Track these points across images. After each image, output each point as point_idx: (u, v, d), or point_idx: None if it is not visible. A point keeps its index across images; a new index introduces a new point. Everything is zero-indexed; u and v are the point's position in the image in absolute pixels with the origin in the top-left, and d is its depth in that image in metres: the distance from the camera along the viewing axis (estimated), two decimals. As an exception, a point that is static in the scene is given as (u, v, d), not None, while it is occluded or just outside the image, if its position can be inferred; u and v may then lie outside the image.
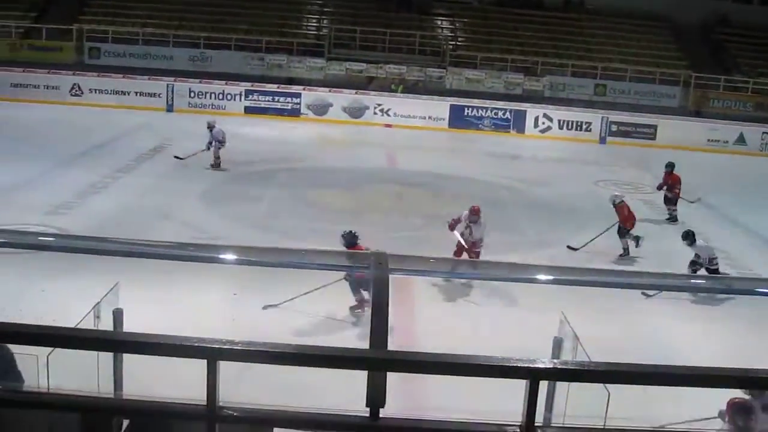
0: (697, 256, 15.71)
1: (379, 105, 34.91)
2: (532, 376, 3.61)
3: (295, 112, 34.61)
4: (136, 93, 35.03)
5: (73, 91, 35.30)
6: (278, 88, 35.30)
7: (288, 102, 34.86)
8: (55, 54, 37.83)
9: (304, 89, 35.41)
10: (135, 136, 28.41)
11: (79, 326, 6.62)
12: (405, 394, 4.39)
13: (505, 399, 4.07)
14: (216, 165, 23.69)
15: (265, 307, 13.05)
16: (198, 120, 30.61)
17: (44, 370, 5.90)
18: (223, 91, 35.07)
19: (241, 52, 37.43)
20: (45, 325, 4.32)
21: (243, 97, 34.99)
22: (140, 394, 4.81)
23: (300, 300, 12.80)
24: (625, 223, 17.81)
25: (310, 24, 41.55)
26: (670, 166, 21.66)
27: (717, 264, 15.70)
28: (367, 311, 14.27)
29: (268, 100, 34.82)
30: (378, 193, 22.77)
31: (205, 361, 3.72)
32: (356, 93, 35.41)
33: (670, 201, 21.44)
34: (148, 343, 3.94)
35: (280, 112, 34.43)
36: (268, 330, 10.67)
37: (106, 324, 7.02)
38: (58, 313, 9.51)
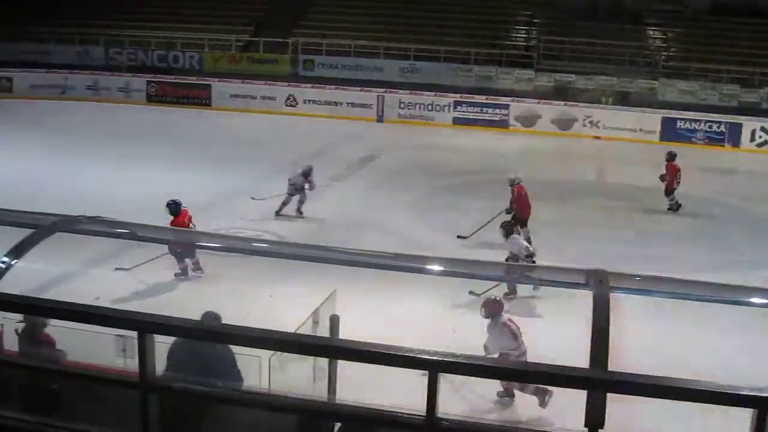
0: (510, 252, 15.29)
1: (589, 117, 34.30)
2: (762, 405, 3.46)
3: (503, 124, 34.53)
4: (348, 104, 35.98)
5: (288, 101, 36.66)
6: (487, 99, 35.30)
7: (496, 113, 34.83)
8: (272, 66, 39.38)
9: (512, 101, 35.24)
10: (346, 146, 29.12)
11: (298, 331, 6.89)
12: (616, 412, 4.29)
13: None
14: (299, 213, 20.25)
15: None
16: (409, 130, 31.13)
17: (266, 372, 6.16)
18: (432, 102, 35.42)
19: (450, 63, 37.62)
20: (269, 329, 4.50)
21: (452, 108, 35.22)
22: (353, 399, 4.93)
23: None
24: (517, 207, 17.88)
25: (518, 35, 41.27)
26: (670, 156, 22.22)
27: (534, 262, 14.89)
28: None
29: (477, 112, 34.91)
30: (587, 207, 22.33)
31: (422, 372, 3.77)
32: (565, 104, 34.92)
33: (667, 192, 21.92)
34: (370, 351, 4.03)
35: (488, 124, 34.45)
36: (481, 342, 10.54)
37: (323, 329, 7.26)
38: (277, 317, 9.87)
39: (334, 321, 7.45)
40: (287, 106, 36.59)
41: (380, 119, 35.43)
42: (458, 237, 18.12)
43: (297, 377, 6.14)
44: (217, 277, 14.12)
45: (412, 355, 3.79)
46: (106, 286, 12.96)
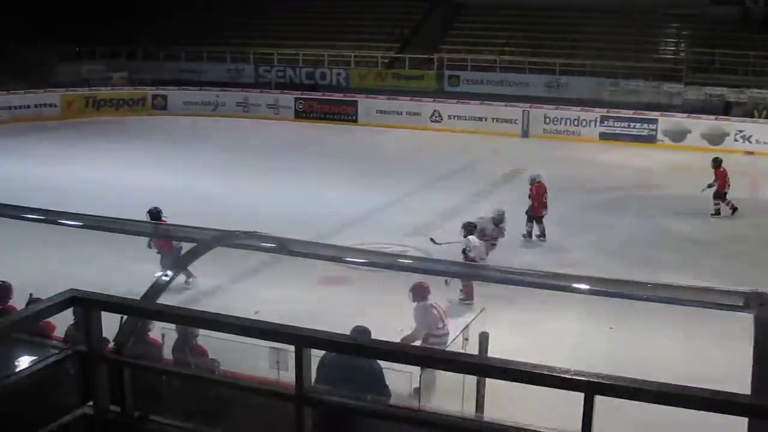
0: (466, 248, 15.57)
1: (741, 131, 33.13)
2: None
3: (651, 139, 33.74)
4: (493, 119, 35.87)
5: (434, 117, 36.85)
6: (634, 113, 34.63)
7: (644, 128, 34.08)
8: (417, 82, 39.74)
9: (660, 115, 34.44)
10: (491, 161, 29.06)
11: (449, 347, 6.94)
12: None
13: None
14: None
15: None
16: (554, 146, 30.82)
17: (416, 388, 6.22)
18: (578, 117, 34.97)
19: (596, 78, 37.07)
20: (418, 346, 4.56)
21: (598, 123, 34.69)
22: (501, 418, 4.92)
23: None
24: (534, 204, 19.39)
25: (667, 48, 40.42)
26: (716, 163, 22.49)
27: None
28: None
29: (624, 126, 34.25)
30: (740, 226, 21.57)
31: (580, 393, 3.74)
32: (716, 119, 33.86)
33: (718, 195, 22.08)
34: (523, 371, 4.02)
35: (635, 139, 33.70)
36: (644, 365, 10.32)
37: (473, 346, 7.29)
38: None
39: (483, 338, 7.46)
40: (432, 121, 36.78)
41: (525, 134, 35.19)
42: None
43: (446, 393, 6.17)
44: (367, 293, 14.28)
45: (567, 376, 3.76)
46: (261, 299, 13.29)
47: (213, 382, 5.76)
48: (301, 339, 4.47)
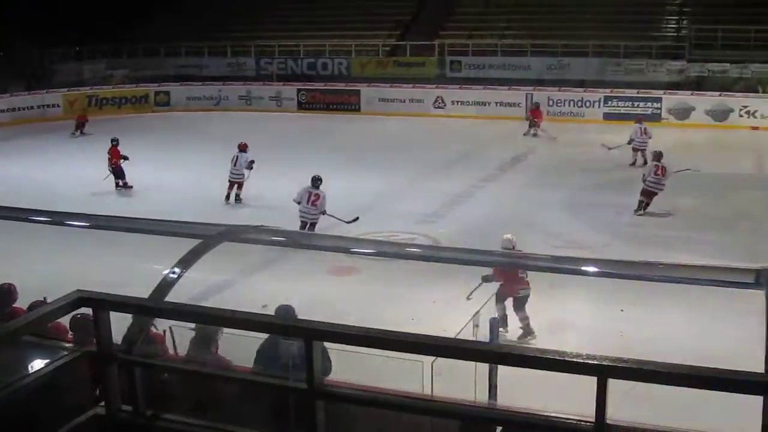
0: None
1: (745, 107, 33.01)
2: None
3: (655, 117, 33.54)
4: (496, 104, 35.84)
5: (437, 103, 36.82)
6: (638, 93, 34.54)
7: (648, 107, 33.98)
8: (419, 69, 39.62)
9: (664, 93, 34.33)
10: (496, 146, 29.00)
11: (459, 334, 6.91)
12: None
13: None
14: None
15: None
16: (558, 128, 30.69)
17: (428, 377, 6.19)
18: (582, 98, 34.93)
19: (598, 58, 36.91)
20: (430, 335, 4.53)
21: (602, 104, 34.66)
22: (513, 405, 4.91)
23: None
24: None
25: (668, 26, 40.21)
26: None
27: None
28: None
29: (628, 106, 34.17)
30: (747, 200, 21.50)
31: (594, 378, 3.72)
32: (720, 95, 33.74)
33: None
34: (534, 357, 4.01)
35: (640, 118, 33.64)
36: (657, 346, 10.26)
37: (484, 332, 7.27)
38: (436, 319, 9.92)
39: (493, 323, 7.43)
40: (435, 108, 36.74)
41: (529, 118, 35.16)
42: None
43: (459, 380, 6.15)
44: (376, 282, 14.25)
45: (579, 360, 3.74)
46: (268, 293, 13.26)
47: (225, 378, 5.74)
48: (310, 332, 4.45)
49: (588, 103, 34.83)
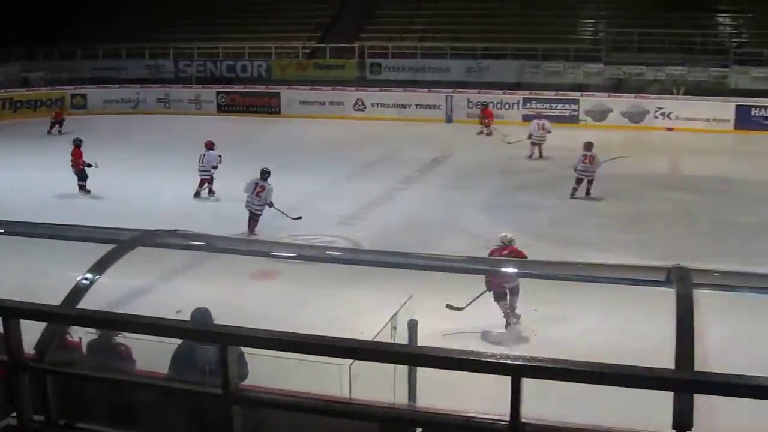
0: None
1: (660, 108, 33.75)
2: None
3: (573, 119, 34.13)
4: (416, 105, 36.05)
5: (357, 105, 36.88)
6: (556, 95, 35.04)
7: (566, 109, 34.51)
8: (339, 71, 39.62)
9: (581, 95, 34.89)
10: (416, 148, 29.10)
11: (377, 336, 6.91)
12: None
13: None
14: None
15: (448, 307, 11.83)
16: (477, 130, 30.91)
17: (346, 380, 6.17)
18: (501, 100, 35.26)
19: (517, 60, 37.33)
20: (349, 338, 4.51)
21: (521, 106, 35.05)
22: (434, 406, 4.91)
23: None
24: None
25: (585, 29, 40.85)
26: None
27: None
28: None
29: (546, 108, 34.56)
30: (661, 200, 21.92)
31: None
32: (636, 97, 34.42)
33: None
34: (451, 358, 4.01)
35: (558, 120, 33.86)
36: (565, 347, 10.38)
37: (402, 334, 7.27)
38: (354, 322, 9.87)
39: (412, 326, 7.44)
40: (356, 110, 36.81)
41: (449, 119, 35.47)
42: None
43: (377, 383, 6.14)
44: (295, 286, 14.17)
45: (494, 360, 3.76)
46: (184, 299, 13.10)
47: (138, 385, 5.64)
48: (225, 337, 4.39)
49: (507, 105, 35.20)
